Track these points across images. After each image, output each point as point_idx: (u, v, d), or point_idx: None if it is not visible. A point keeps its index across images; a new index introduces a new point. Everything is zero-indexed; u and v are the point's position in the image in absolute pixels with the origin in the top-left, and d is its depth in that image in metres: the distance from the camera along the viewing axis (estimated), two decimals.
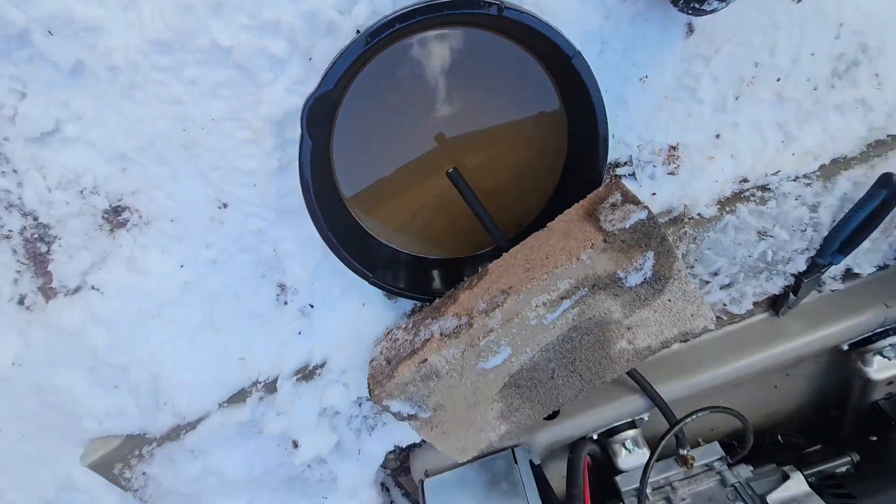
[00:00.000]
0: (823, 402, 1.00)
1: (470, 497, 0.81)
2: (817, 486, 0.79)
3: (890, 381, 0.87)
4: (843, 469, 0.81)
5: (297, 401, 0.79)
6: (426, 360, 0.65)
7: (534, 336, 0.65)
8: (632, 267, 0.61)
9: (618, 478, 0.88)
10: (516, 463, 0.83)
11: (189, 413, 0.81)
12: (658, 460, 0.81)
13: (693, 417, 0.76)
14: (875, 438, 0.86)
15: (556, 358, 0.67)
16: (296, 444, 0.80)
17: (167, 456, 0.83)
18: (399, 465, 0.98)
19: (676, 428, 0.77)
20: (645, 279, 0.62)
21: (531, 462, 0.84)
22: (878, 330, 0.84)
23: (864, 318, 0.81)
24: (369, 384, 0.70)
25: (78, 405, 0.81)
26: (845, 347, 0.87)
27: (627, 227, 0.59)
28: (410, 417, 0.71)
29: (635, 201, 0.61)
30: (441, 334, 0.66)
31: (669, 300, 0.63)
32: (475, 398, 0.70)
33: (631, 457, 0.90)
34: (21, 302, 0.82)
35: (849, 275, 0.89)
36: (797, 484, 0.79)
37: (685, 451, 0.84)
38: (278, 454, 0.86)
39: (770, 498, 0.79)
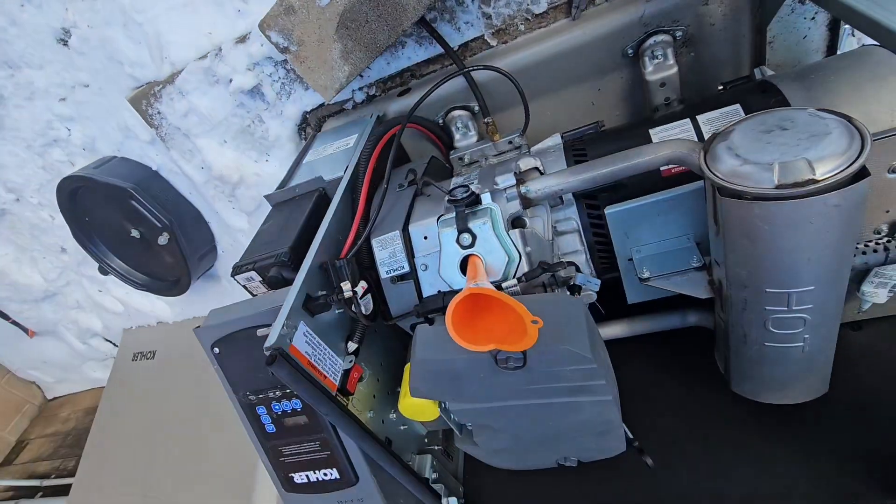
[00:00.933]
0: (632, 118, 1.22)
1: (338, 134, 1.22)
2: (568, 143, 1.07)
3: (663, 83, 1.08)
4: (590, 132, 1.07)
5: (235, 54, 1.23)
6: None
7: None
8: None
9: (451, 153, 1.23)
10: (371, 118, 1.21)
11: (178, 63, 1.30)
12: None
13: (477, 69, 1.07)
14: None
15: (366, 2, 1.02)
16: (230, 81, 1.26)
17: (168, 95, 1.34)
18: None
19: (464, 71, 1.08)
20: None
21: (378, 118, 1.21)
22: (648, 30, 1.04)
23: (627, 14, 1.03)
24: (260, 23, 1.10)
25: (121, 54, 1.33)
26: (630, 52, 1.09)
27: None
28: (286, 50, 1.11)
29: None
30: None
31: None
32: (320, 34, 1.07)
33: (463, 137, 1.24)
34: None
35: None
36: (553, 140, 1.07)
37: (488, 120, 1.16)
38: (230, 103, 1.33)
39: (533, 148, 1.09)
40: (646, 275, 0.88)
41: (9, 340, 2.78)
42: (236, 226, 1.60)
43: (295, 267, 0.86)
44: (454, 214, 0.82)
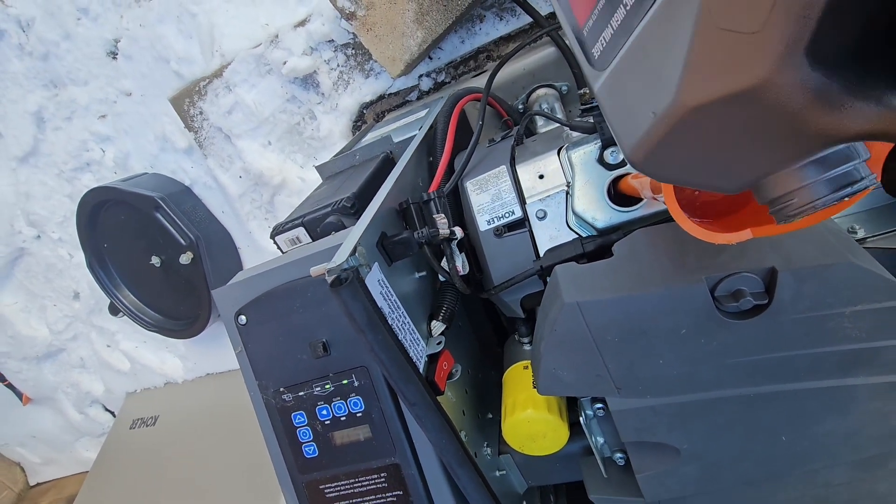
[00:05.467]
0: None
1: (401, 117, 1.04)
2: None
3: None
4: None
5: (291, 37, 1.11)
6: None
7: None
8: None
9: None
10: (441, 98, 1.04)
11: (228, 55, 1.19)
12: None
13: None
14: None
15: None
16: (284, 63, 1.12)
17: (213, 90, 1.22)
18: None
19: (548, 30, 0.91)
20: None
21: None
22: None
23: None
24: None
25: (169, 50, 1.24)
26: None
27: None
28: (352, 15, 0.98)
29: None
30: None
31: None
32: None
33: (547, 123, 1.04)
34: None
35: None
36: None
37: (584, 90, 0.97)
38: (281, 95, 1.19)
39: None
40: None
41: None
42: (269, 248, 1.39)
43: (360, 216, 0.61)
44: (583, 136, 0.59)
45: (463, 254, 0.60)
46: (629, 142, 0.26)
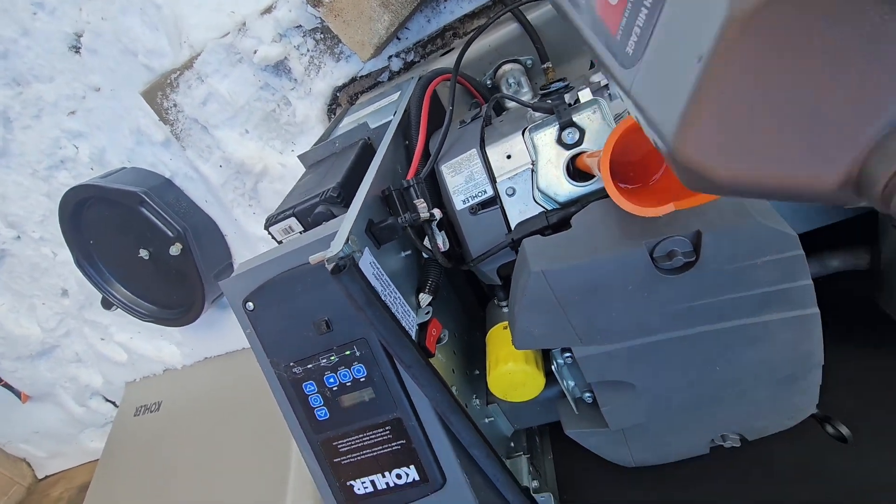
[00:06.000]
0: None
1: (374, 101, 1.08)
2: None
3: None
4: None
5: (259, 25, 1.13)
6: None
7: None
8: None
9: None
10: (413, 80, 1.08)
11: (197, 46, 1.19)
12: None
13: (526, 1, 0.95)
14: None
15: None
16: (255, 52, 1.14)
17: (185, 82, 1.23)
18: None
19: (511, 8, 0.96)
20: None
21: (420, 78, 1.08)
22: None
23: None
24: None
25: (137, 43, 1.24)
26: None
27: None
28: (318, 3, 1.00)
29: None
30: None
31: None
32: None
33: (515, 95, 1.10)
34: None
35: None
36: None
37: (547, 65, 1.02)
38: (254, 84, 1.21)
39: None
40: None
41: None
42: (257, 234, 1.44)
43: (346, 204, 0.67)
44: (541, 118, 0.65)
45: (443, 232, 0.67)
46: (672, 123, 0.20)
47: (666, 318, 0.51)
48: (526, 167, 0.67)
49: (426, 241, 0.66)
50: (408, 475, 0.61)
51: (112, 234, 1.48)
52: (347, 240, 0.51)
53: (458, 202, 0.69)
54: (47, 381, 2.39)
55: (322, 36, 1.14)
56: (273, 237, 0.73)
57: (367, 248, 0.56)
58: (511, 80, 1.09)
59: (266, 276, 0.61)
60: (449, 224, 0.72)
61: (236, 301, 0.62)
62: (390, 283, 0.59)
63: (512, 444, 0.83)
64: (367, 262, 0.55)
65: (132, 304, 1.60)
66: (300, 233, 0.72)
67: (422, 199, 0.62)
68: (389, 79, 1.19)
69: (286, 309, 0.60)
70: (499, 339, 0.70)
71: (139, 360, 2.12)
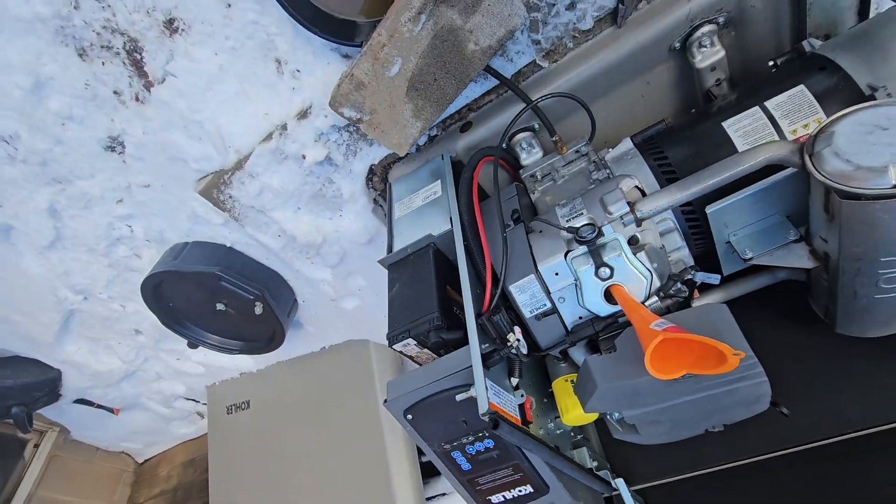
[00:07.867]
0: (684, 105, 1.30)
1: (413, 181, 1.29)
2: (640, 145, 1.15)
3: (713, 67, 1.16)
4: (659, 131, 1.15)
5: (300, 131, 1.28)
6: (352, 74, 1.08)
7: (411, 46, 1.04)
8: None
9: (521, 171, 1.30)
10: (443, 159, 1.28)
11: (243, 149, 1.35)
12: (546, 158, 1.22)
13: (542, 99, 1.14)
14: (693, 110, 1.19)
15: (433, 63, 1.07)
16: (304, 157, 1.32)
17: (238, 180, 1.40)
18: (382, 189, 1.49)
19: (531, 105, 1.15)
20: None
21: (451, 158, 1.28)
22: (693, 24, 1.11)
23: (672, 15, 1.09)
24: (331, 101, 1.15)
25: (184, 153, 1.38)
26: (677, 46, 1.16)
27: None
28: (358, 121, 1.17)
29: None
30: (360, 55, 1.08)
31: (489, 4, 0.98)
32: (392, 100, 1.13)
33: (529, 155, 1.31)
34: (136, 98, 1.36)
35: None
36: (625, 144, 1.16)
37: (556, 138, 1.23)
38: (301, 174, 1.39)
39: (608, 157, 1.17)
40: (748, 255, 1.00)
41: (96, 423, 2.89)
42: (317, 277, 1.69)
43: (447, 326, 0.96)
44: (581, 250, 0.92)
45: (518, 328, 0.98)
46: None
47: (680, 394, 0.85)
48: (570, 283, 0.95)
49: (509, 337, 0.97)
50: (525, 489, 0.99)
51: (191, 300, 1.72)
52: (487, 391, 0.82)
53: (527, 312, 0.99)
54: (134, 395, 2.74)
55: (356, 128, 1.30)
56: (397, 350, 1.03)
57: (487, 379, 0.87)
58: (524, 145, 1.30)
59: (419, 396, 0.92)
60: (521, 322, 1.02)
61: (398, 414, 0.94)
62: (502, 390, 0.91)
63: (572, 434, 1.22)
64: (492, 393, 0.87)
65: (220, 345, 1.89)
66: (415, 345, 1.02)
67: (511, 333, 0.91)
68: (416, 150, 1.38)
69: (436, 415, 0.93)
70: (565, 390, 1.05)
71: (216, 370, 2.47)
